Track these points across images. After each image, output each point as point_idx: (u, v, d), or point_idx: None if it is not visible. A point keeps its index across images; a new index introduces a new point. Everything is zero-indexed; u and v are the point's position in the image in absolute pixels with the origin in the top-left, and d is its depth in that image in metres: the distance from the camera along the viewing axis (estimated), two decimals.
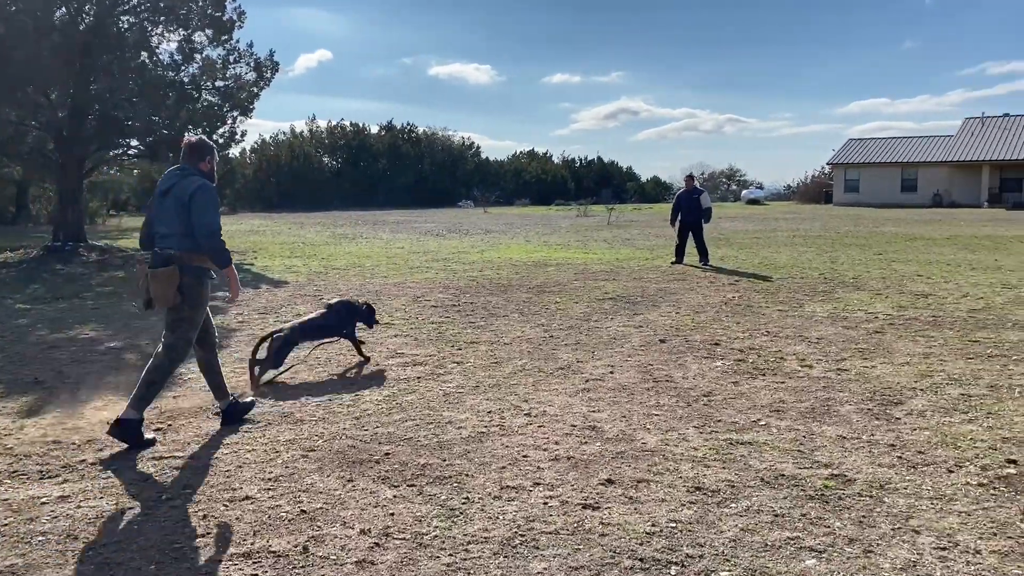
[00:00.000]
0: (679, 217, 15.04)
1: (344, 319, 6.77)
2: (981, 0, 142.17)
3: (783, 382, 6.09)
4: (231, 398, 5.19)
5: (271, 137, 53.90)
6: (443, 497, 3.86)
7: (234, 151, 51.17)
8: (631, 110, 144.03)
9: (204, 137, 5.21)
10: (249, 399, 5.38)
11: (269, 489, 4.00)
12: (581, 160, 79.00)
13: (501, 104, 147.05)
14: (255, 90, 18.70)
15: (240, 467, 4.32)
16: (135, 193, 44.10)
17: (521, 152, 76.14)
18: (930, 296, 10.49)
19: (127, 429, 4.59)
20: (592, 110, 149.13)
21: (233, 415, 5.11)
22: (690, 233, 14.89)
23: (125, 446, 4.59)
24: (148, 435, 4.73)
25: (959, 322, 8.58)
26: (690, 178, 15.65)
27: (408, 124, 60.27)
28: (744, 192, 62.39)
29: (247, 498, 3.90)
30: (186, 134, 5.76)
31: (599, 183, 74.89)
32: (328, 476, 4.17)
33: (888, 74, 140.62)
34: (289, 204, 47.40)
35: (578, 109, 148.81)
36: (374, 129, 59.19)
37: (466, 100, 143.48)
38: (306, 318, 6.80)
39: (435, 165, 59.81)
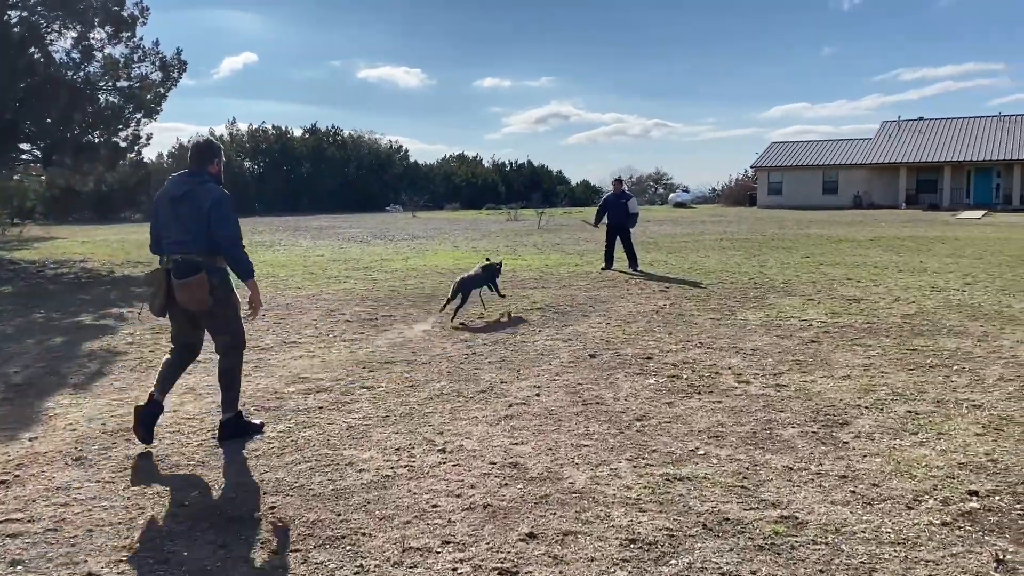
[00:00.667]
0: (606, 221, 14.72)
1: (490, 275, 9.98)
2: (895, 8, 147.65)
3: (720, 401, 5.64)
4: (162, 405, 4.89)
5: (189, 141, 51.80)
6: (332, 566, 3.23)
7: (150, 155, 48.92)
8: (561, 115, 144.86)
9: (211, 138, 5.12)
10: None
11: (121, 562, 3.30)
12: (511, 164, 78.79)
13: (432, 108, 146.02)
14: (161, 91, 17.59)
15: (90, 531, 3.60)
16: (42, 200, 41.81)
17: (451, 156, 75.52)
18: (862, 301, 10.29)
19: (230, 427, 4.85)
20: (523, 114, 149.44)
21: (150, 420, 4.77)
22: (618, 238, 14.54)
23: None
24: (255, 420, 5.12)
25: (894, 329, 8.32)
26: (618, 182, 15.31)
27: (333, 127, 58.98)
28: (671, 195, 62.99)
29: (90, 575, 3.20)
30: (194, 136, 5.39)
31: (529, 187, 74.82)
32: (196, 540, 3.49)
33: (808, 79, 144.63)
34: None
35: (509, 113, 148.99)
36: (298, 132, 57.76)
37: (396, 104, 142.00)
38: (471, 273, 9.85)
39: (362, 169, 58.57)
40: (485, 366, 6.81)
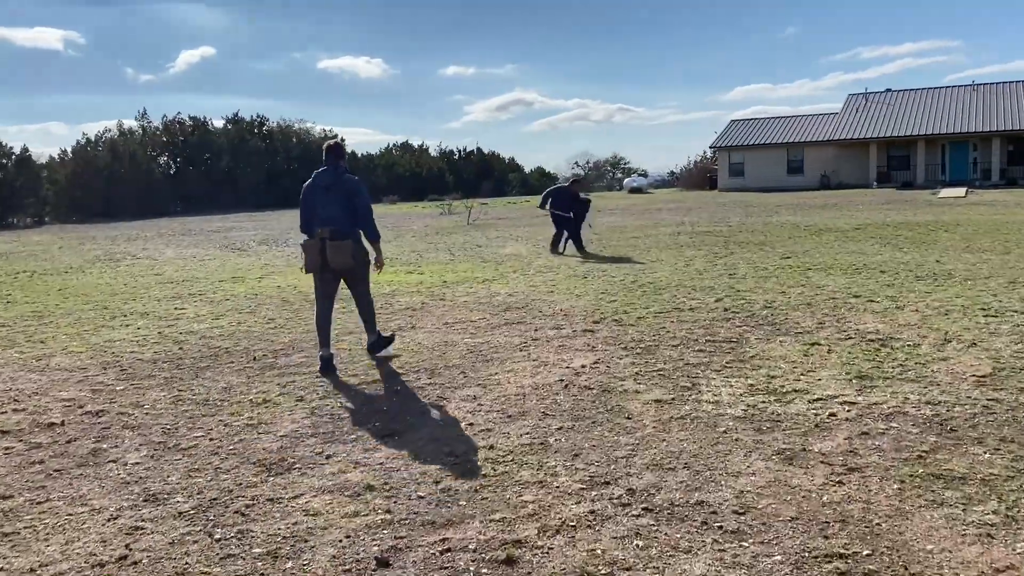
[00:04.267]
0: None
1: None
2: None
3: None
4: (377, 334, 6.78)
5: (96, 136, 46.61)
6: None
7: (49, 152, 43.38)
8: (525, 101, 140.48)
9: (339, 140, 6.66)
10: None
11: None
12: (460, 152, 74.52)
13: (394, 98, 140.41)
14: None
15: None
16: None
17: (394, 144, 70.99)
18: (894, 343, 6.50)
19: (377, 344, 6.72)
20: (485, 102, 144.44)
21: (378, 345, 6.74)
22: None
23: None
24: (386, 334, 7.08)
25: (984, 423, 4.50)
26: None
27: (258, 116, 53.90)
28: (626, 180, 59.18)
29: None
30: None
31: (479, 175, 70.92)
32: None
33: (770, 60, 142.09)
34: (115, 212, 40.77)
35: (472, 101, 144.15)
36: (219, 123, 52.71)
37: (358, 94, 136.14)
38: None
39: (291, 161, 53.77)
40: None
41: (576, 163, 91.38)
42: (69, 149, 44.53)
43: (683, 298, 9.15)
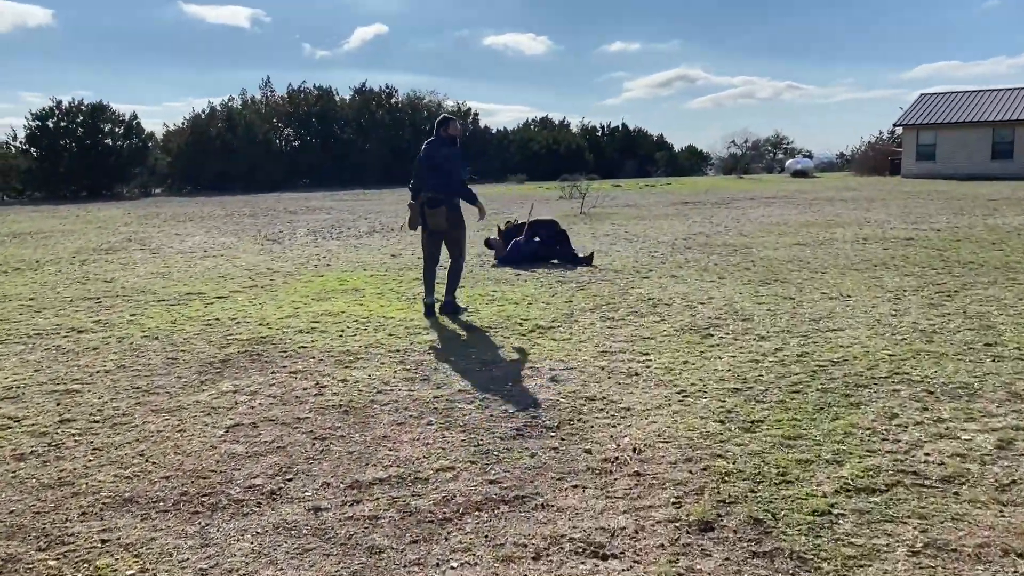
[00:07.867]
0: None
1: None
2: None
3: None
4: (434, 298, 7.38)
5: (221, 105, 45.02)
6: None
7: (164, 125, 41.86)
8: (688, 78, 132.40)
9: (447, 115, 7.59)
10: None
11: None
12: (603, 128, 69.18)
13: (555, 75, 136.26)
14: None
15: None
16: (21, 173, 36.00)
17: (533, 120, 66.58)
18: None
19: (449, 305, 7.25)
20: (647, 78, 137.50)
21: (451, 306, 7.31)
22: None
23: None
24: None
25: None
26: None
27: (387, 86, 50.83)
28: (789, 162, 51.98)
29: None
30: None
31: (623, 154, 65.59)
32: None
33: (960, 35, 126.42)
34: (228, 185, 38.83)
35: (633, 77, 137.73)
36: (347, 94, 50.05)
37: (520, 72, 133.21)
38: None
39: (419, 135, 50.61)
40: None
41: (733, 141, 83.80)
42: (189, 118, 43.19)
43: (909, 423, 4.18)
